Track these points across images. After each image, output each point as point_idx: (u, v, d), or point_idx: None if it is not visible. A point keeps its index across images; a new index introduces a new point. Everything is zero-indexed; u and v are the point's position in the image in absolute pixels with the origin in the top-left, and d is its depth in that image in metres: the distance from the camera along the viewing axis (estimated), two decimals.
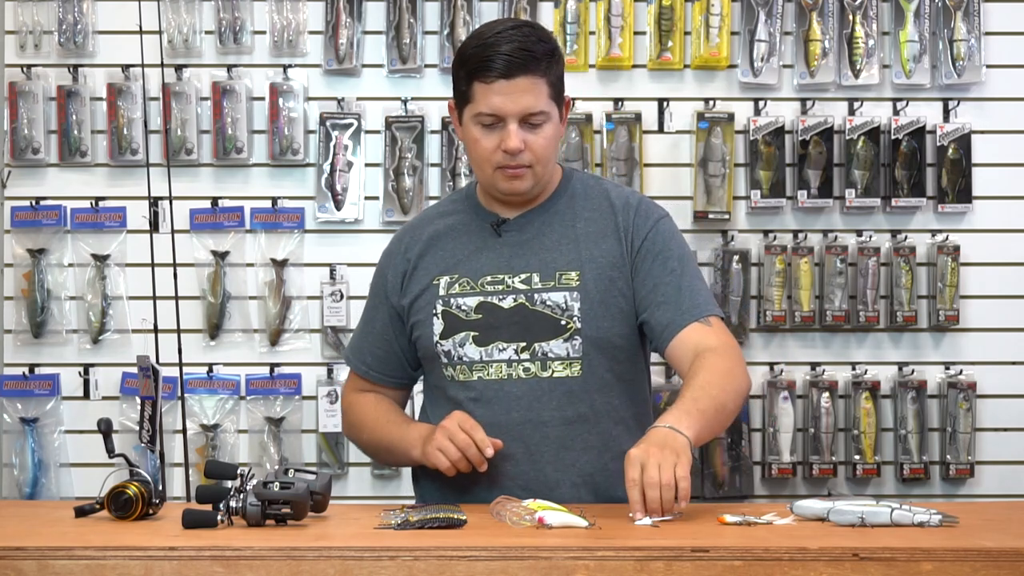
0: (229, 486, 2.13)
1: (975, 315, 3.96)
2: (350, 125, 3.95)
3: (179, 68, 3.95)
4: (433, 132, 3.97)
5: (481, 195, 2.65)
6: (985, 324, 3.96)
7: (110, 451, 2.29)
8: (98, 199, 3.96)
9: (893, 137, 3.93)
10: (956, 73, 3.95)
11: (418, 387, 2.78)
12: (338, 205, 3.95)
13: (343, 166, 3.95)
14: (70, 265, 3.96)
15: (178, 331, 3.68)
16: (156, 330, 3.64)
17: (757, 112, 3.96)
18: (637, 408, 2.60)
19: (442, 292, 2.57)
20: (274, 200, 3.96)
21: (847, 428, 3.93)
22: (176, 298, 3.69)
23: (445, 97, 2.81)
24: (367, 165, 3.97)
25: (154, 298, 3.69)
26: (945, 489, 3.96)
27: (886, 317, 3.95)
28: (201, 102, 3.96)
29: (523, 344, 2.51)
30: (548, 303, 2.52)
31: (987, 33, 3.98)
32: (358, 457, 3.85)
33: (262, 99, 3.96)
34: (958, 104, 3.98)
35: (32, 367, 3.95)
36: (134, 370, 3.26)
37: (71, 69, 3.96)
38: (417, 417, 2.78)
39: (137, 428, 2.49)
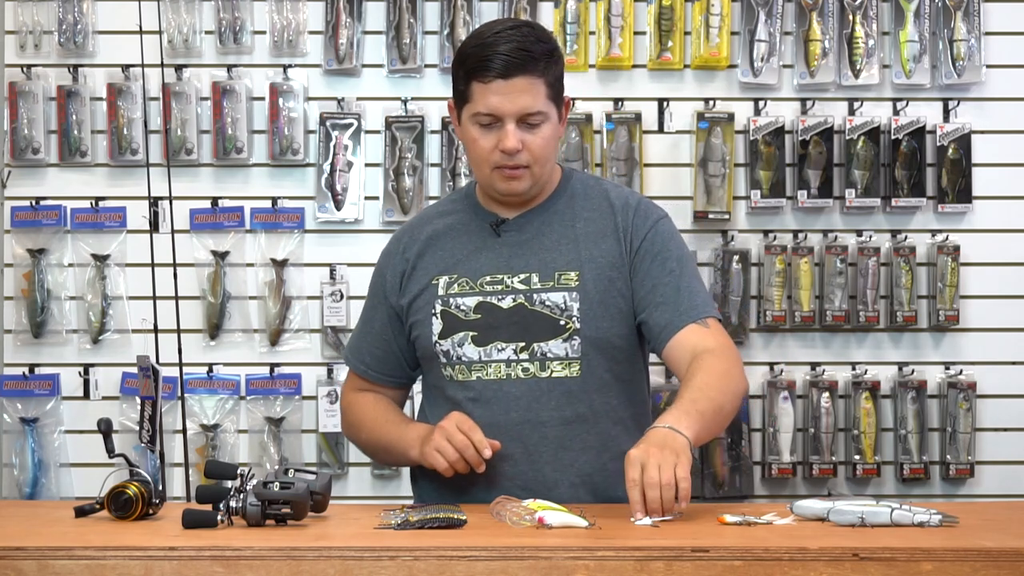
0: (229, 486, 2.13)
1: (975, 315, 3.96)
2: (350, 125, 3.96)
3: (179, 68, 3.95)
4: (433, 132, 3.97)
5: (480, 195, 2.65)
6: (985, 324, 3.96)
7: (110, 451, 2.29)
8: (98, 199, 3.96)
9: (893, 137, 3.93)
10: (956, 73, 3.95)
11: (417, 386, 2.78)
12: (338, 205, 3.95)
13: (343, 166, 3.95)
14: (70, 265, 3.96)
15: (178, 331, 3.68)
16: (156, 330, 3.64)
17: (757, 112, 3.96)
18: (636, 408, 2.60)
19: (441, 292, 2.57)
20: (274, 200, 3.96)
21: (847, 428, 3.93)
22: (176, 298, 3.69)
23: (445, 97, 2.81)
24: (367, 165, 3.97)
25: (154, 298, 3.69)
26: (945, 489, 3.96)
27: (886, 317, 3.95)
28: (201, 102, 3.96)
29: (522, 344, 2.51)
30: (547, 303, 2.52)
31: (987, 33, 3.98)
32: (358, 457, 3.85)
33: (262, 99, 3.96)
34: (958, 104, 3.98)
35: (32, 367, 3.95)
36: (134, 370, 3.26)
37: (71, 69, 3.96)
38: (415, 417, 2.78)
39: (137, 428, 2.49)
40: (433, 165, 3.97)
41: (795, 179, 3.95)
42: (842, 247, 3.92)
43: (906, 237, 3.94)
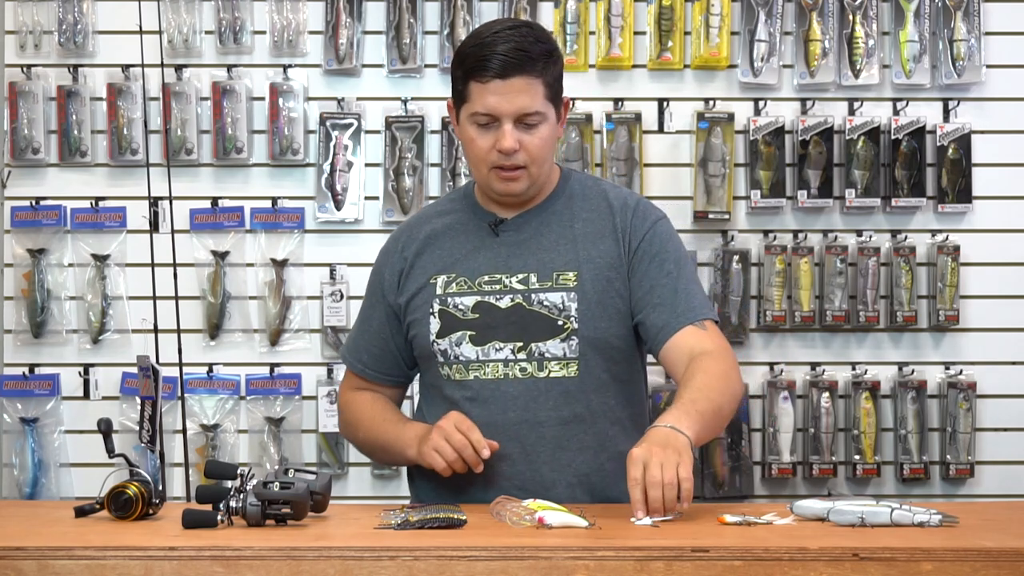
0: (229, 486, 2.13)
1: (975, 315, 3.96)
2: (350, 125, 3.96)
3: (179, 68, 3.95)
4: (433, 132, 3.97)
5: (479, 194, 2.65)
6: (985, 324, 3.96)
7: (110, 451, 2.29)
8: (98, 199, 3.96)
9: (893, 137, 3.93)
10: (956, 73, 3.95)
11: (416, 386, 2.78)
12: (338, 205, 3.95)
13: (343, 166, 3.95)
14: (70, 265, 3.96)
15: (178, 331, 3.68)
16: (156, 330, 3.64)
17: (757, 112, 3.96)
18: (633, 408, 2.60)
19: (439, 291, 2.57)
20: (274, 200, 3.96)
21: (847, 428, 3.93)
22: (176, 298, 3.69)
23: (445, 97, 2.81)
24: (367, 165, 3.97)
25: (154, 298, 3.69)
26: (945, 489, 3.95)
27: (886, 317, 3.94)
28: (201, 102, 3.96)
29: (520, 344, 2.51)
30: (545, 303, 2.52)
31: (987, 33, 3.98)
32: (358, 457, 3.85)
33: (262, 99, 3.96)
34: (958, 104, 3.98)
35: (32, 367, 3.95)
36: (134, 370, 3.26)
37: (71, 69, 3.96)
38: (413, 416, 2.78)
39: (137, 428, 2.49)
40: (433, 165, 3.97)
41: (795, 179, 3.95)
42: (842, 247, 3.92)
43: (906, 237, 3.94)
